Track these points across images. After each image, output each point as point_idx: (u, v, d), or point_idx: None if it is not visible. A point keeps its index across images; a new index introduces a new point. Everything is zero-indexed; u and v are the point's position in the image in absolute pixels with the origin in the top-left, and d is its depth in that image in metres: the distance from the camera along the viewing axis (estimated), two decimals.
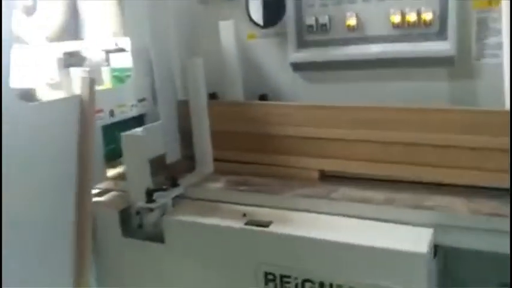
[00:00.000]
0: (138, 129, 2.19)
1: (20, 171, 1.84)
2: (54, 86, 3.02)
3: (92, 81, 2.17)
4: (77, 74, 2.88)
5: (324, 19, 2.27)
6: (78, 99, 2.14)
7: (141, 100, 2.52)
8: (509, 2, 1.83)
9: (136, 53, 2.49)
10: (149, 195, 2.02)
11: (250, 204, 2.01)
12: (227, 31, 2.28)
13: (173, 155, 2.40)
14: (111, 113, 2.35)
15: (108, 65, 2.77)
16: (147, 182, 2.09)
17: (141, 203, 2.04)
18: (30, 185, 1.89)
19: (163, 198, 2.04)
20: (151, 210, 2.03)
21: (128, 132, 2.12)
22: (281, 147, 2.22)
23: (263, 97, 2.45)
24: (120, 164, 2.57)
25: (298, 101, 2.40)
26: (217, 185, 2.20)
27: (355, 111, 2.07)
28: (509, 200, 1.70)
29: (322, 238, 1.72)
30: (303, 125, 2.16)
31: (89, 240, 2.10)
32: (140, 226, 2.12)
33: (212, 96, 2.53)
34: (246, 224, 1.87)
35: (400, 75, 2.19)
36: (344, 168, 2.10)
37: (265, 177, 2.21)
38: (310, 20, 2.30)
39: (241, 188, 2.13)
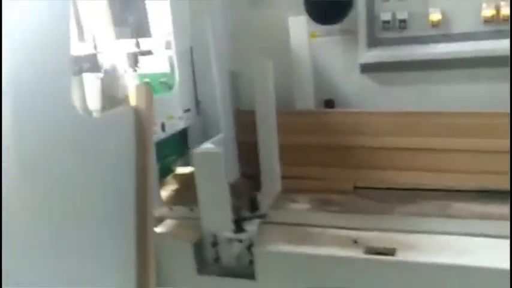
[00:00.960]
0: (208, 145, 1.86)
1: (70, 194, 1.48)
2: None
3: (148, 91, 1.82)
4: (91, 81, 2.49)
5: (403, 14, 2.04)
6: (133, 111, 1.78)
7: (186, 111, 2.18)
8: None
9: (181, 57, 2.15)
10: (238, 224, 1.71)
11: (349, 228, 1.75)
12: (298, 28, 2.01)
13: (233, 172, 2.10)
14: (163, 127, 2.00)
15: (134, 70, 2.40)
16: (226, 208, 1.76)
17: (228, 233, 1.72)
18: (84, 208, 1.53)
19: (251, 226, 1.74)
20: (240, 241, 1.72)
21: (200, 150, 1.79)
22: (362, 160, 1.98)
23: (329, 103, 2.19)
24: (165, 184, 2.24)
25: (366, 106, 2.16)
26: (300, 205, 1.92)
27: (452, 117, 1.88)
28: None
29: (470, 265, 1.49)
30: (389, 134, 1.94)
31: (153, 278, 1.75)
32: (216, 260, 1.81)
33: None
34: (366, 252, 1.61)
35: (491, 75, 2.01)
36: (441, 181, 1.89)
37: (346, 194, 1.97)
38: (385, 16, 2.06)
39: (332, 208, 1.87)
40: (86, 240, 1.55)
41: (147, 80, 2.31)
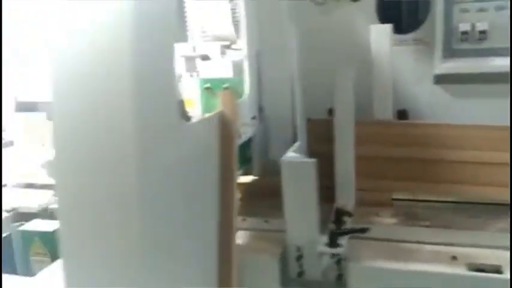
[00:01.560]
0: (292, 154, 1.78)
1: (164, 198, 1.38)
2: None
3: (233, 96, 1.75)
4: None
5: (483, 25, 2.00)
6: (218, 117, 1.70)
7: (253, 118, 2.11)
8: None
9: (251, 61, 2.08)
10: (333, 238, 1.63)
11: (444, 243, 1.69)
12: (381, 37, 1.94)
13: None
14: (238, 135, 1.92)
15: (191, 75, 2.30)
16: (315, 221, 1.69)
17: (322, 247, 1.64)
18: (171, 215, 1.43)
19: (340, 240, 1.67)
20: (332, 255, 1.64)
21: (291, 159, 1.71)
22: (444, 173, 1.92)
23: (402, 113, 2.13)
24: None
25: (438, 117, 2.12)
26: (385, 219, 1.86)
27: None
28: None
29: None
30: (476, 148, 1.89)
31: None
32: (300, 274, 1.73)
33: (331, 112, 2.18)
34: (470, 269, 1.55)
35: None
36: None
37: (429, 208, 1.91)
38: (464, 27, 2.02)
39: (420, 223, 1.81)
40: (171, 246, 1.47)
41: (208, 85, 2.22)
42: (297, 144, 1.94)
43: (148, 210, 1.25)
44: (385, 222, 1.83)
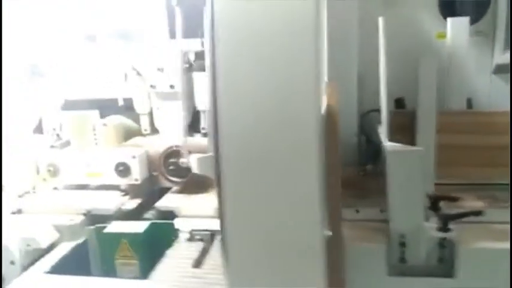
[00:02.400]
0: (391, 144, 1.83)
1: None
2: (166, 96, 2.44)
3: (336, 88, 1.78)
4: (199, 80, 2.37)
5: None
6: (326, 110, 1.73)
7: None
8: None
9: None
10: (446, 222, 1.70)
11: None
12: (459, 29, 2.02)
13: None
14: None
15: None
16: (420, 207, 1.75)
17: (434, 232, 1.71)
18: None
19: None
20: (443, 240, 1.72)
21: (395, 148, 1.76)
22: None
23: (467, 102, 2.23)
24: None
25: (497, 105, 2.23)
26: (471, 203, 1.94)
27: None
28: None
29: None
30: None
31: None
32: (402, 260, 1.79)
33: (398, 102, 2.25)
34: None
35: None
36: None
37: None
38: None
39: (505, 204, 1.91)
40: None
41: None
42: (383, 135, 1.99)
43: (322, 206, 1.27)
44: (473, 206, 1.91)
